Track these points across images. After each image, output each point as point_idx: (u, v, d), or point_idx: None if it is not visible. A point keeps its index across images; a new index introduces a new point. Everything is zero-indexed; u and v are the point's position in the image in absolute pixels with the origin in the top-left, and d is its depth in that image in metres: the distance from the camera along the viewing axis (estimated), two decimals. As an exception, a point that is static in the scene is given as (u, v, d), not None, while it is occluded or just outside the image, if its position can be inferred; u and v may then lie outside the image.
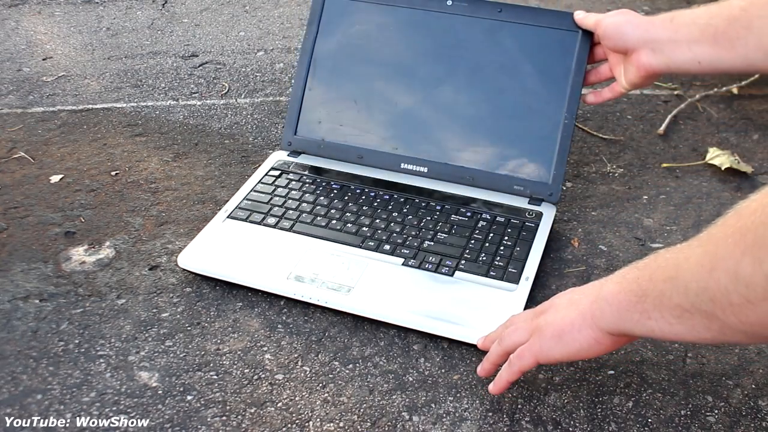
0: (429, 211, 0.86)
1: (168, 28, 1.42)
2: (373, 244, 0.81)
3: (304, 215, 0.86)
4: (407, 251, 0.80)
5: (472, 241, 0.81)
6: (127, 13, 1.49)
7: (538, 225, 0.83)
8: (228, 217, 0.86)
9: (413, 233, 0.83)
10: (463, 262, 0.79)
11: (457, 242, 0.81)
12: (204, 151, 1.04)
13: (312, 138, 0.95)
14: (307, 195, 0.89)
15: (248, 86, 1.21)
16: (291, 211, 0.86)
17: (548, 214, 0.85)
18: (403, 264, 0.79)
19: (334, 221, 0.85)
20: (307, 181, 0.91)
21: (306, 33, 0.96)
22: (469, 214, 0.85)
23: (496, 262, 0.79)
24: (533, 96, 0.88)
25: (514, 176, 0.88)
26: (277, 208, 0.87)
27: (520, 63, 0.89)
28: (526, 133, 0.88)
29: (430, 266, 0.79)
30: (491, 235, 0.82)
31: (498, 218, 0.84)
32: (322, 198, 0.88)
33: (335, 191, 0.89)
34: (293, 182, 0.91)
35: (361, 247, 0.81)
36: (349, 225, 0.84)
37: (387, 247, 0.81)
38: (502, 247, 0.81)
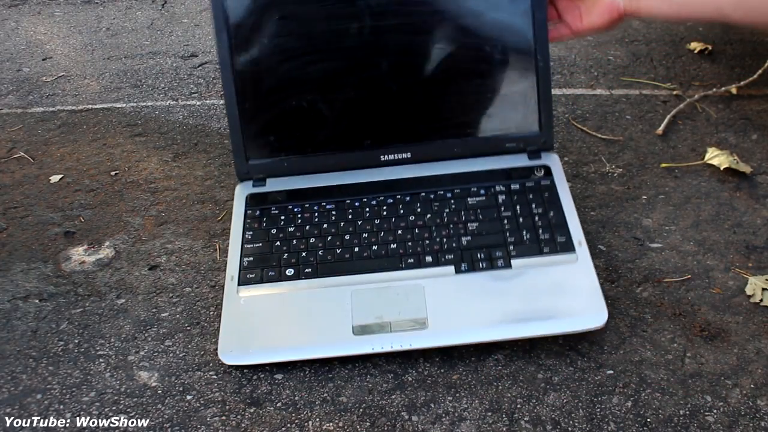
0: (443, 203, 0.78)
1: (167, 29, 1.42)
2: (412, 261, 0.73)
3: (320, 253, 0.74)
4: (450, 256, 0.73)
5: (505, 222, 0.76)
6: (127, 13, 1.49)
7: (553, 181, 0.79)
8: (239, 284, 0.73)
9: (443, 233, 0.75)
10: (511, 248, 0.73)
11: (491, 228, 0.75)
12: (203, 151, 1.04)
13: (271, 159, 0.81)
14: (308, 227, 0.77)
15: (248, 86, 1.21)
16: (304, 253, 0.75)
17: (556, 166, 0.81)
18: (456, 272, 0.72)
19: (356, 249, 0.74)
20: (295, 210, 0.79)
21: (217, 42, 0.79)
22: (482, 192, 0.78)
23: (542, 236, 0.74)
24: (500, 46, 0.80)
25: (503, 135, 0.82)
26: (286, 255, 0.75)
27: (476, 12, 0.80)
28: (503, 87, 0.81)
29: (483, 264, 0.73)
30: (518, 207, 0.77)
31: (512, 186, 0.79)
32: (325, 225, 0.77)
33: (333, 214, 0.78)
34: (281, 216, 0.78)
35: (402, 269, 0.73)
36: (374, 248, 0.74)
37: (428, 258, 0.73)
38: (536, 218, 0.76)
